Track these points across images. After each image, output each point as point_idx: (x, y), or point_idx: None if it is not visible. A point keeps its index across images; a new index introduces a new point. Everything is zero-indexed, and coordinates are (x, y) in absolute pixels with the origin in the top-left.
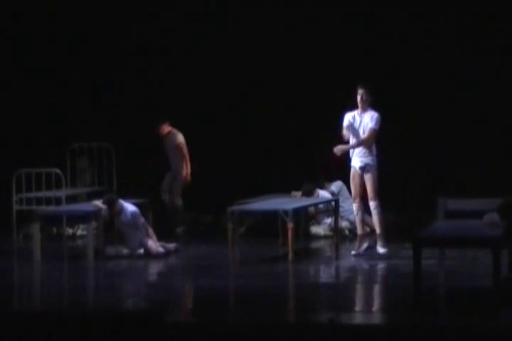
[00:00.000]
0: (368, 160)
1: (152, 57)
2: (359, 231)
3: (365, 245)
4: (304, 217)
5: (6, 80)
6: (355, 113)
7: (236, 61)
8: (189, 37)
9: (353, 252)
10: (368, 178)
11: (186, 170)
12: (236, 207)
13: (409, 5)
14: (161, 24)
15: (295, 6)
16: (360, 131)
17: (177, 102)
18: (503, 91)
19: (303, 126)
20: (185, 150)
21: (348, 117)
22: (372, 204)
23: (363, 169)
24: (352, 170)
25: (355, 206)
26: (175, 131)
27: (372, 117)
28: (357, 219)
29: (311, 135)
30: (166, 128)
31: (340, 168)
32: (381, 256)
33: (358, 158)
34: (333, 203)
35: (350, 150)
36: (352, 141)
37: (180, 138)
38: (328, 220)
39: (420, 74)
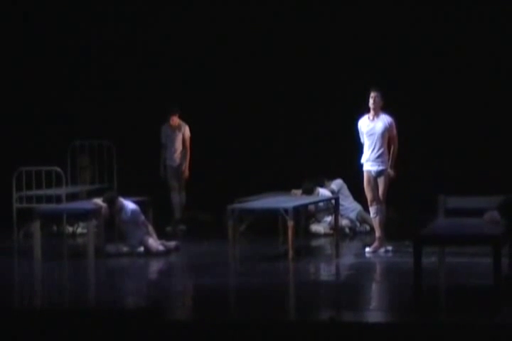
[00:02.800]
0: (384, 165)
1: (153, 54)
2: (378, 233)
3: (382, 249)
4: (304, 215)
5: (6, 78)
6: (367, 118)
7: (239, 58)
8: (190, 34)
9: (367, 249)
10: (381, 182)
11: (186, 164)
12: (236, 205)
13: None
14: (161, 22)
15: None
16: (376, 136)
17: (177, 100)
18: (503, 89)
19: (303, 124)
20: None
21: (361, 124)
22: (379, 207)
23: (378, 173)
24: (366, 175)
25: (373, 209)
26: (183, 123)
27: (390, 124)
28: (375, 221)
29: (312, 133)
30: (177, 120)
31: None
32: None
33: (373, 163)
34: (333, 201)
35: (365, 155)
36: (368, 145)
37: (188, 131)
38: (329, 218)
39: (421, 73)
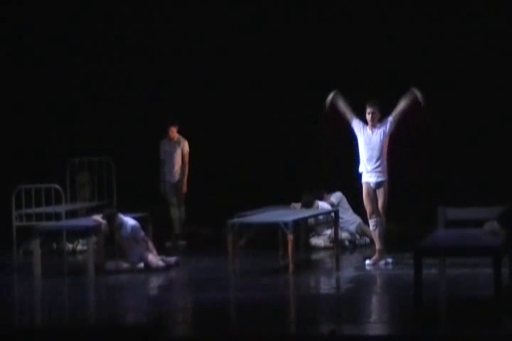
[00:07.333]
0: (384, 176)
1: (152, 71)
2: (378, 246)
3: (382, 261)
4: (304, 229)
5: (5, 96)
6: (368, 128)
7: (237, 74)
8: (190, 45)
9: (367, 262)
10: (381, 194)
11: (185, 179)
12: (236, 220)
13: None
14: (161, 36)
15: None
16: (374, 147)
17: (176, 115)
18: (501, 100)
19: (302, 138)
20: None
21: (360, 126)
22: (378, 219)
23: (378, 185)
24: (365, 186)
25: (372, 221)
26: (182, 138)
27: (388, 125)
28: (375, 234)
29: (310, 146)
30: (176, 133)
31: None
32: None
33: (372, 174)
34: (332, 214)
35: (362, 166)
36: (367, 156)
37: (187, 146)
38: (328, 231)
39: (422, 81)
